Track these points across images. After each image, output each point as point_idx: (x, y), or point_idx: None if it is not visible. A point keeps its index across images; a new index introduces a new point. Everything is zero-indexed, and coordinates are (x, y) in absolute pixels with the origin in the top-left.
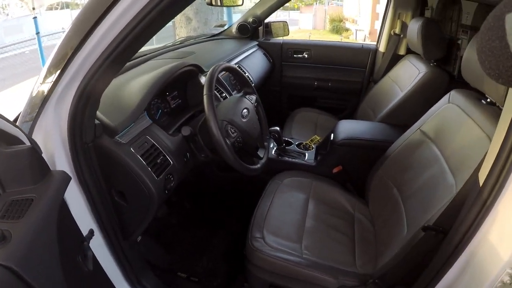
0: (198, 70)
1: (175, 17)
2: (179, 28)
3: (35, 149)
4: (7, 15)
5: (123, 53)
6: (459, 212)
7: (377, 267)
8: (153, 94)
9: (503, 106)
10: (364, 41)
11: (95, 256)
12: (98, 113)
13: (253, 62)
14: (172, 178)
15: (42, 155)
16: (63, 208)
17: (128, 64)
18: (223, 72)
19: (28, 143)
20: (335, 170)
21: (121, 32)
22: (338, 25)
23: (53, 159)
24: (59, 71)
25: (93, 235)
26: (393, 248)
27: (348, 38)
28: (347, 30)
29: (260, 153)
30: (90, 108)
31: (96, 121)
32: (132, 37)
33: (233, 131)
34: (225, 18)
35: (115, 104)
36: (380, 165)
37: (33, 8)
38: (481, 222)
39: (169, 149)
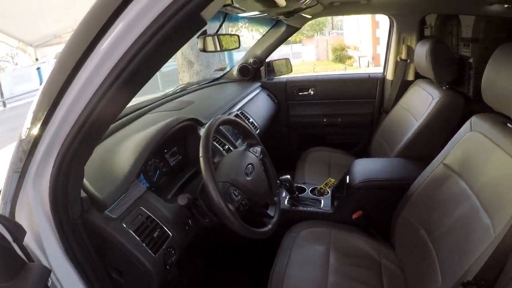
0: (196, 123)
1: (178, 61)
2: (181, 72)
3: (5, 246)
4: (16, 64)
5: (102, 118)
6: (504, 263)
7: None
8: (146, 156)
9: None
10: (368, 66)
11: None
12: (85, 182)
13: (257, 105)
14: (173, 252)
15: (27, 235)
16: None
17: (121, 120)
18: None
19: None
20: (355, 216)
21: (96, 92)
22: (340, 54)
23: (40, 238)
24: (33, 140)
25: None
26: None
27: (352, 65)
28: (350, 57)
29: (271, 211)
30: (73, 180)
31: (83, 194)
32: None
33: (236, 193)
34: (227, 61)
35: (104, 171)
36: (403, 205)
37: (36, 59)
38: None
39: (167, 219)
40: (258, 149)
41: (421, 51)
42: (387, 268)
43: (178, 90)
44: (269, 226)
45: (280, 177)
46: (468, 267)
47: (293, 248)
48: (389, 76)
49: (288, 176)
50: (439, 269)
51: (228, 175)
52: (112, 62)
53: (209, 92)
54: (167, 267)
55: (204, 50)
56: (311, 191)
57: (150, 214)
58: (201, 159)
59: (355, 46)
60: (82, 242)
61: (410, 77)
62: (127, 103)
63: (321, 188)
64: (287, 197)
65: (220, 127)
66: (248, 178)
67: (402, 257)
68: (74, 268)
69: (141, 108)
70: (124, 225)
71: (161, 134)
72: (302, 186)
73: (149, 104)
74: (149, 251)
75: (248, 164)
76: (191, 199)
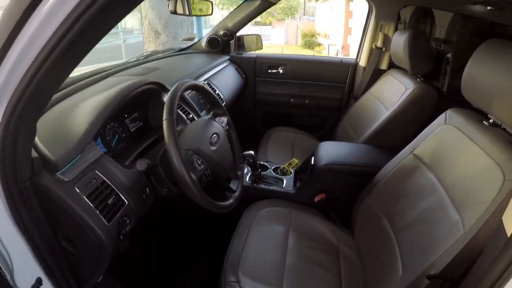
0: (160, 88)
1: (144, 31)
2: (147, 43)
3: None
4: None
5: (52, 74)
6: (473, 260)
7: None
8: (104, 118)
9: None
10: (337, 55)
11: None
12: (37, 142)
13: (224, 78)
14: (128, 221)
15: None
16: None
17: (82, 82)
18: (190, 91)
19: None
20: (317, 199)
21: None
22: (310, 40)
23: None
24: None
25: (41, 284)
26: None
27: (321, 52)
28: (319, 45)
29: (233, 185)
30: (22, 138)
31: (35, 154)
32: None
33: (199, 162)
34: (196, 32)
35: (59, 132)
36: (367, 192)
37: None
38: (509, 278)
39: (123, 185)
40: (224, 119)
41: (399, 40)
42: (345, 254)
43: (143, 57)
44: (231, 201)
45: (244, 152)
46: (433, 260)
47: (252, 226)
48: (362, 62)
49: (252, 152)
50: (400, 261)
51: (191, 143)
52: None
53: (175, 60)
54: (121, 236)
55: (174, 12)
56: (273, 170)
57: (106, 179)
58: (164, 122)
59: (326, 34)
60: (31, 207)
61: (384, 66)
62: (77, 62)
63: (284, 168)
64: (249, 174)
65: (186, 94)
66: (213, 148)
67: (361, 245)
68: (22, 235)
69: (103, 72)
70: (77, 189)
71: (121, 96)
72: (265, 164)
73: (112, 69)
74: (102, 218)
75: (213, 134)
76: (150, 165)
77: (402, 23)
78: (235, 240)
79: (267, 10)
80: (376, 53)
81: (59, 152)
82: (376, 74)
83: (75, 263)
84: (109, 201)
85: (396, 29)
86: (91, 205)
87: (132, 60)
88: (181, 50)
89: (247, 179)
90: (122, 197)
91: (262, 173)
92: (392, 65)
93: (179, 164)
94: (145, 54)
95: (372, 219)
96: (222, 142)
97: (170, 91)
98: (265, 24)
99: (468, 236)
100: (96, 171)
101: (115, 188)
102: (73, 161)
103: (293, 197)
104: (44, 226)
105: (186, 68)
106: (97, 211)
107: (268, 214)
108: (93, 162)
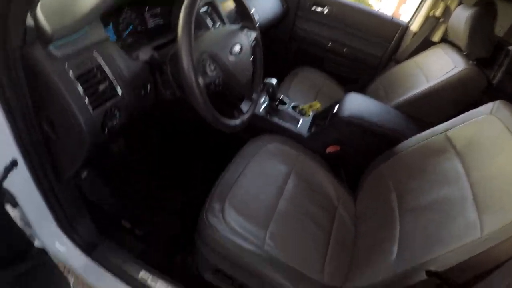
0: None
1: None
2: None
3: None
4: None
5: None
6: (485, 272)
7: (346, 285)
8: None
9: None
10: None
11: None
12: (38, 12)
13: (263, 1)
14: (117, 114)
15: None
16: None
17: None
18: None
19: None
20: (329, 150)
21: None
22: None
23: None
24: None
25: (16, 166)
26: (375, 271)
27: None
28: (369, 6)
29: (244, 106)
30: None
31: (31, 23)
32: None
33: (212, 68)
34: None
35: (66, 4)
36: (384, 159)
37: None
38: None
39: (121, 75)
40: (253, 34)
41: (462, 14)
42: (341, 217)
43: None
44: (237, 121)
45: (265, 79)
46: (435, 256)
47: (254, 157)
48: (414, 28)
49: (275, 80)
50: (397, 244)
51: (210, 46)
52: None
53: None
54: (106, 130)
55: None
56: (292, 107)
57: (102, 63)
58: (182, 11)
59: None
60: (16, 78)
61: (435, 38)
62: None
63: (303, 109)
64: (265, 103)
65: (217, 3)
66: (232, 58)
67: (361, 212)
68: (1, 108)
69: None
70: (67, 67)
71: None
72: (285, 99)
73: None
74: (87, 104)
75: (237, 43)
76: (156, 59)
77: None
78: (232, 167)
79: None
80: (431, 22)
81: (57, 23)
82: (425, 44)
83: (54, 150)
84: (100, 88)
85: (460, 3)
86: (79, 86)
87: None
88: None
89: (261, 108)
90: (116, 87)
91: (279, 106)
92: (443, 40)
93: (188, 62)
94: None
95: (381, 189)
96: (244, 56)
97: None
98: None
99: (487, 244)
100: (94, 53)
101: (109, 75)
102: (72, 37)
103: (305, 141)
104: (27, 101)
105: None
106: (83, 95)
107: (274, 149)
108: (94, 43)
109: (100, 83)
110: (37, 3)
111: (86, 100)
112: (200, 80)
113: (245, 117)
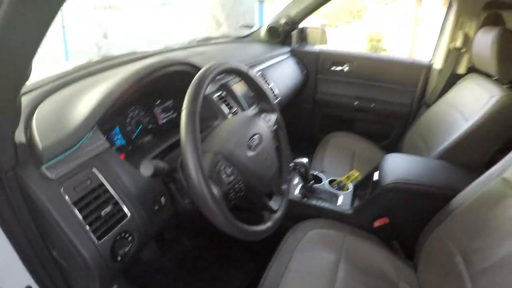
0: (195, 71)
1: (204, 21)
2: (207, 33)
3: None
4: None
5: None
6: None
7: None
8: (112, 101)
9: None
10: None
11: None
12: (33, 129)
13: (281, 71)
14: (129, 238)
15: None
16: None
17: (109, 62)
18: (233, 78)
19: None
20: (377, 224)
21: None
22: (376, 45)
23: None
24: None
25: None
26: None
27: None
28: (384, 50)
29: (274, 204)
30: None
31: (23, 139)
32: None
33: (229, 172)
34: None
35: (58, 119)
36: (439, 221)
37: None
38: None
39: (126, 192)
40: (272, 117)
41: (485, 39)
42: None
43: (193, 43)
44: (269, 224)
45: (295, 160)
46: None
47: (295, 251)
48: (437, 65)
49: (305, 160)
50: None
51: (223, 144)
52: None
53: (228, 47)
54: (118, 258)
55: None
56: (329, 183)
57: (104, 181)
58: (183, 113)
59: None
60: (15, 205)
61: (461, 70)
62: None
63: (341, 181)
64: (299, 186)
65: (233, 84)
66: (251, 153)
67: (426, 283)
68: (7, 237)
69: (141, 55)
70: (62, 191)
71: (138, 77)
72: (319, 175)
73: (154, 52)
74: (90, 234)
75: (255, 135)
76: (162, 169)
77: None
78: (275, 264)
79: (334, 12)
80: (453, 55)
81: (49, 139)
82: (452, 79)
83: (68, 275)
84: (103, 212)
85: (479, 27)
86: (78, 214)
87: (180, 44)
88: (238, 38)
89: (296, 191)
90: (123, 208)
91: (314, 186)
92: (470, 70)
93: (196, 172)
94: (197, 39)
95: (442, 254)
96: (265, 146)
97: (199, 72)
98: (330, 26)
99: None
100: (94, 170)
101: (113, 194)
102: (64, 154)
103: (350, 218)
104: (32, 229)
105: (238, 55)
106: (84, 223)
107: (316, 237)
108: (92, 158)
109: (103, 206)
110: (32, 118)
111: (88, 229)
112: (215, 191)
113: (277, 215)
